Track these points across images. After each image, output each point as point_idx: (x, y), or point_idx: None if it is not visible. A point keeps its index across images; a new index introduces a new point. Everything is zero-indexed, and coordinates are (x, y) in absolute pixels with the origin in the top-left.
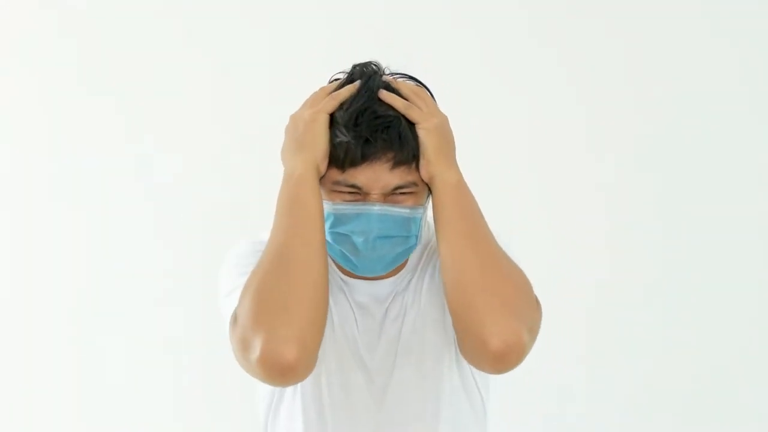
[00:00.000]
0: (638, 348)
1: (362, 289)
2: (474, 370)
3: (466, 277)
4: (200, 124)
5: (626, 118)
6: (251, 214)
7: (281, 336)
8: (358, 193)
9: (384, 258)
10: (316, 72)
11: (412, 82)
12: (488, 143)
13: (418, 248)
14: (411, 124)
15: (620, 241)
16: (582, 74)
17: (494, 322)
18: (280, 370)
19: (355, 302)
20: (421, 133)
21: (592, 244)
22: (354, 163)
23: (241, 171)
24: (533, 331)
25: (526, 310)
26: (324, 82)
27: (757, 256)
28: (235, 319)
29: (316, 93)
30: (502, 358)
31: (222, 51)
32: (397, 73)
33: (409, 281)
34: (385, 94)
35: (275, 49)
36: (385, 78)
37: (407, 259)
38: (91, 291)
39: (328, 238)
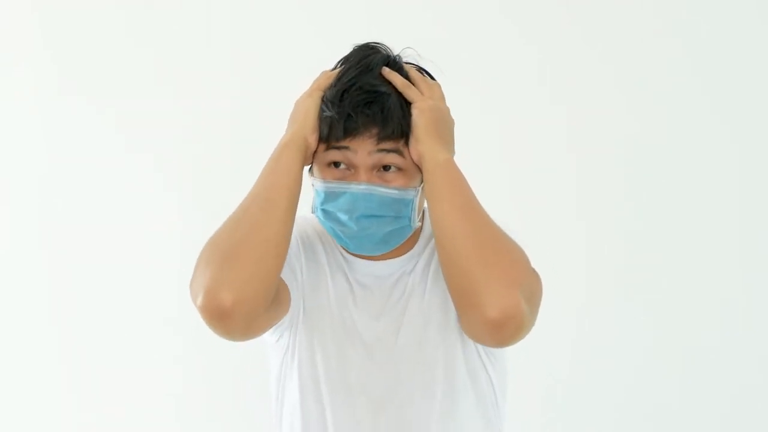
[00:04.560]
0: (627, 342)
1: (364, 268)
2: (484, 360)
3: (460, 248)
4: (200, 125)
5: (607, 119)
6: None
7: (221, 280)
8: (348, 170)
9: (372, 237)
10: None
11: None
12: (469, 144)
13: (426, 233)
14: (407, 104)
15: (602, 236)
16: (562, 76)
17: (491, 291)
18: (217, 314)
19: (355, 281)
20: (414, 112)
21: (574, 240)
22: (338, 138)
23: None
24: (532, 300)
25: (523, 279)
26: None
27: (736, 250)
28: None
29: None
30: (500, 328)
31: (220, 50)
32: (410, 63)
33: (416, 264)
34: (386, 71)
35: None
36: (394, 57)
37: (415, 242)
38: (89, 293)
39: (319, 215)
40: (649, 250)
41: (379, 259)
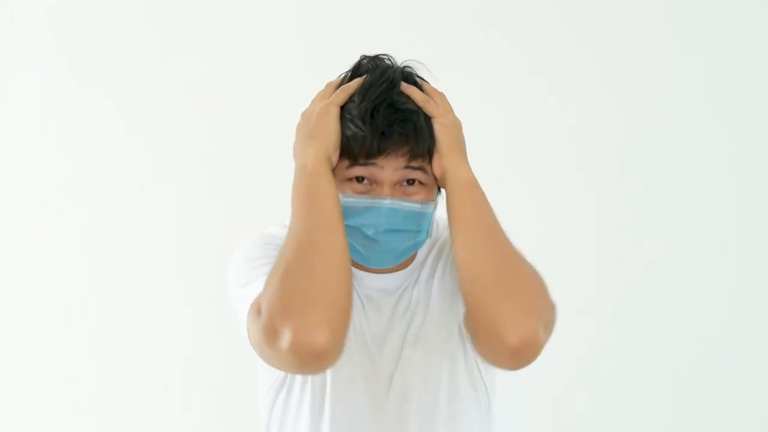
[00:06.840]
0: (626, 343)
1: (370, 282)
2: (480, 366)
3: (483, 275)
4: (204, 126)
5: (606, 119)
6: (256, 214)
7: (311, 322)
8: (371, 185)
9: (393, 251)
10: (320, 71)
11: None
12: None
13: (427, 243)
14: (427, 119)
15: (610, 240)
16: (566, 79)
17: (512, 320)
18: (313, 356)
19: (364, 295)
20: (437, 127)
21: (582, 242)
22: (370, 156)
23: (247, 173)
24: (548, 328)
25: (543, 309)
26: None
27: (736, 251)
28: (258, 309)
29: (324, 88)
30: (519, 354)
31: (223, 49)
32: (409, 67)
33: (419, 276)
34: (405, 86)
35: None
36: (406, 70)
37: (416, 253)
38: (93, 292)
39: None
40: (649, 251)
41: (383, 272)
